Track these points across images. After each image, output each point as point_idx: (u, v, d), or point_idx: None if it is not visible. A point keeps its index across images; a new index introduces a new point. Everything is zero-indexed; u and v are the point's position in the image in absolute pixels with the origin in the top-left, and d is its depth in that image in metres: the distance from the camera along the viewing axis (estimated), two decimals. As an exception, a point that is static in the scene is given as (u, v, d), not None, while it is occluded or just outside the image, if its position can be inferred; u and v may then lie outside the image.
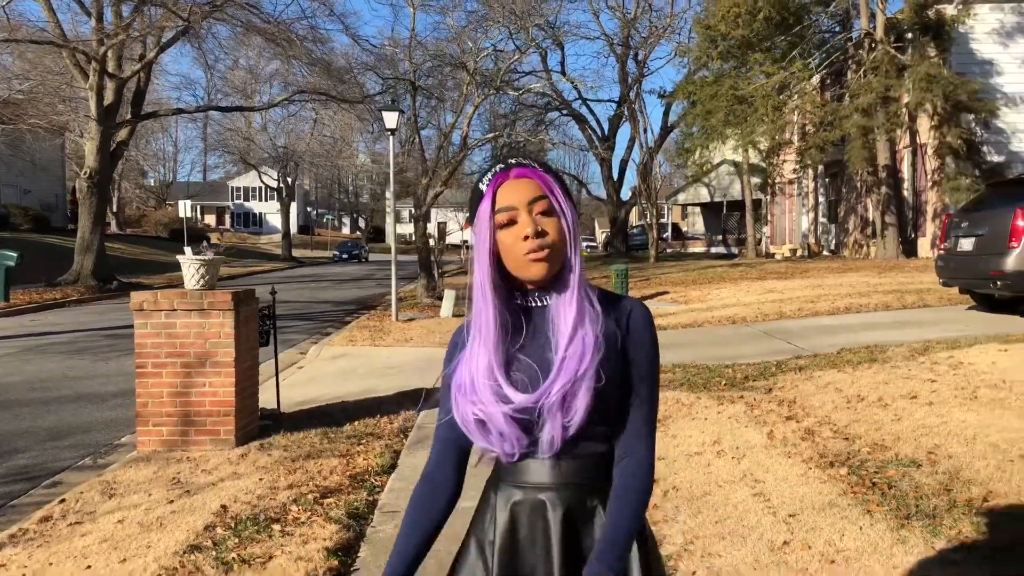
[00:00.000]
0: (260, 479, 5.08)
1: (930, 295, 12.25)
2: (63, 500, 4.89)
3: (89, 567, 3.79)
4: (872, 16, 20.48)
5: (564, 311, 1.45)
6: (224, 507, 4.53)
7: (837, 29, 22.58)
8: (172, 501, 4.73)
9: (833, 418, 5.33)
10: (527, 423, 1.42)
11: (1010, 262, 9.04)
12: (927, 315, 10.62)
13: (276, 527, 4.20)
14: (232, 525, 4.24)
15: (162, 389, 5.97)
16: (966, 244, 9.93)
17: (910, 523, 3.50)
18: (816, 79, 22.86)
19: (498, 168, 1.50)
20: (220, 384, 5.95)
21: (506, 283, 1.49)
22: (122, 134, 24.53)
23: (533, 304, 1.51)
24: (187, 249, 6.23)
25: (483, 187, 1.48)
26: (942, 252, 10.60)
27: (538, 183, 1.46)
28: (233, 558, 3.81)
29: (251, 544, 3.99)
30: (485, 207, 1.46)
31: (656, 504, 4.16)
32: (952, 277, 10.39)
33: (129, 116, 24.63)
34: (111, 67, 22.29)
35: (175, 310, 5.94)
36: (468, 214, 1.55)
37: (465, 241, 48.03)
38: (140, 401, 6.00)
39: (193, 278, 6.04)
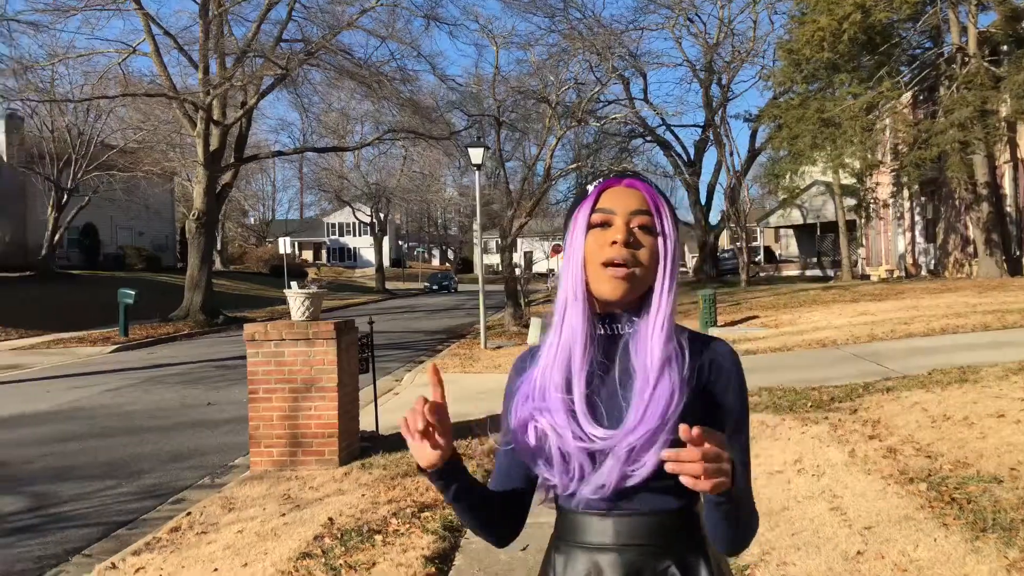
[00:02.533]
0: (362, 495, 5.47)
1: (1033, 314, 11.87)
2: (189, 513, 5.39)
3: (216, 570, 4.23)
4: (964, 30, 20.00)
5: (650, 349, 1.30)
6: (331, 520, 4.92)
7: (928, 45, 22.11)
8: (284, 514, 5.16)
9: (916, 437, 5.38)
10: (593, 451, 1.29)
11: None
12: (1028, 335, 10.32)
13: (378, 537, 4.56)
14: (339, 535, 4.62)
15: (272, 413, 6.46)
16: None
17: (985, 535, 3.59)
18: (907, 97, 22.40)
19: (611, 174, 1.39)
20: (324, 408, 6.41)
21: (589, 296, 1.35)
22: (226, 177, 25.97)
23: (609, 332, 1.37)
24: (293, 284, 6.75)
25: (589, 188, 1.37)
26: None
27: (646, 197, 1.34)
28: (340, 564, 4.17)
29: (356, 552, 4.35)
30: (585, 207, 1.35)
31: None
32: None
33: (233, 160, 26.07)
34: (216, 115, 23.72)
35: (283, 340, 6.44)
36: (566, 217, 1.43)
37: (551, 270, 48.38)
38: (252, 424, 6.51)
39: (299, 310, 6.53)
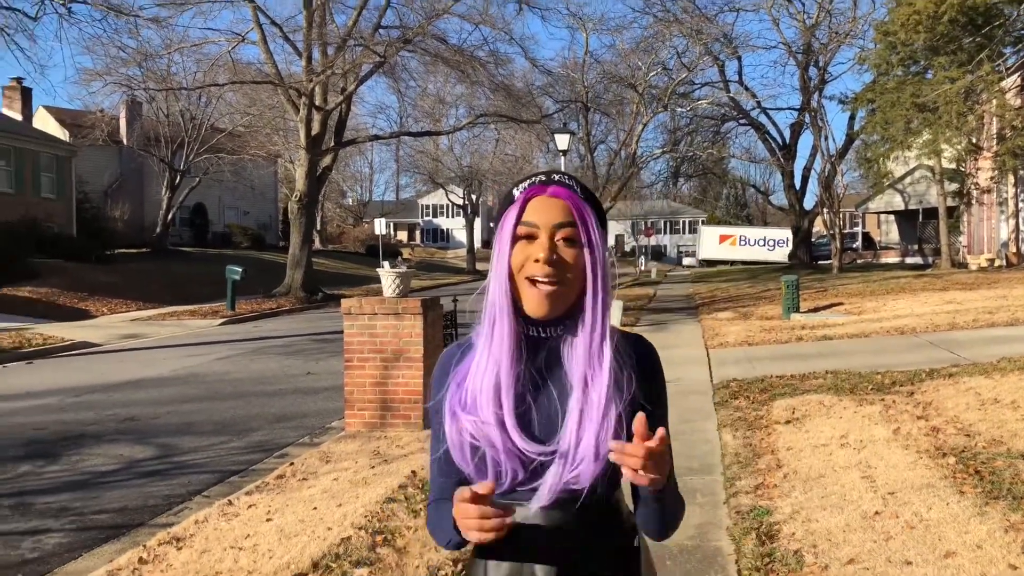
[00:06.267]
0: (442, 453, 6.11)
1: None
2: (292, 463, 6.16)
3: (315, 508, 4.94)
4: (1073, 10, 19.18)
5: (587, 360, 1.33)
6: (413, 472, 5.58)
7: (1035, 26, 21.24)
8: (374, 467, 5.86)
9: (961, 418, 5.66)
10: (527, 461, 1.31)
11: None
12: (1116, 326, 10.18)
13: (454, 488, 5.18)
14: (420, 485, 5.27)
15: (365, 379, 7.18)
16: None
17: (995, 502, 3.93)
18: (1012, 80, 21.59)
19: (537, 180, 1.37)
20: (411, 376, 7.09)
21: (517, 302, 1.36)
22: (326, 160, 27.18)
23: (540, 334, 1.38)
24: (385, 264, 7.44)
25: (516, 193, 1.37)
26: None
27: (570, 208, 1.33)
28: (420, 508, 4.81)
29: (435, 499, 4.98)
30: (511, 215, 1.35)
31: (775, 484, 4.77)
32: None
33: (332, 144, 27.23)
34: (318, 100, 24.86)
35: (376, 313, 7.14)
36: (496, 216, 1.44)
37: (643, 248, 48.21)
38: (348, 389, 7.25)
39: (390, 287, 7.22)
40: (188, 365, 12.42)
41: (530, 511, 1.32)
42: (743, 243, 53.92)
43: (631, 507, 1.42)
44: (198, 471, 6.49)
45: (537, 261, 1.31)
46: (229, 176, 37.22)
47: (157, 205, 35.64)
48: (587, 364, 1.33)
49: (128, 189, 36.23)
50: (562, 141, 15.85)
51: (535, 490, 1.32)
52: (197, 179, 35.99)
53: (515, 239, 1.34)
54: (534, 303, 1.32)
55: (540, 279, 1.31)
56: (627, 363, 1.35)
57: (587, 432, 1.29)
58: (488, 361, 1.35)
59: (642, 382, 1.36)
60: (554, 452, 1.30)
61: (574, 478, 1.29)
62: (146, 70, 23.46)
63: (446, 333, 7.93)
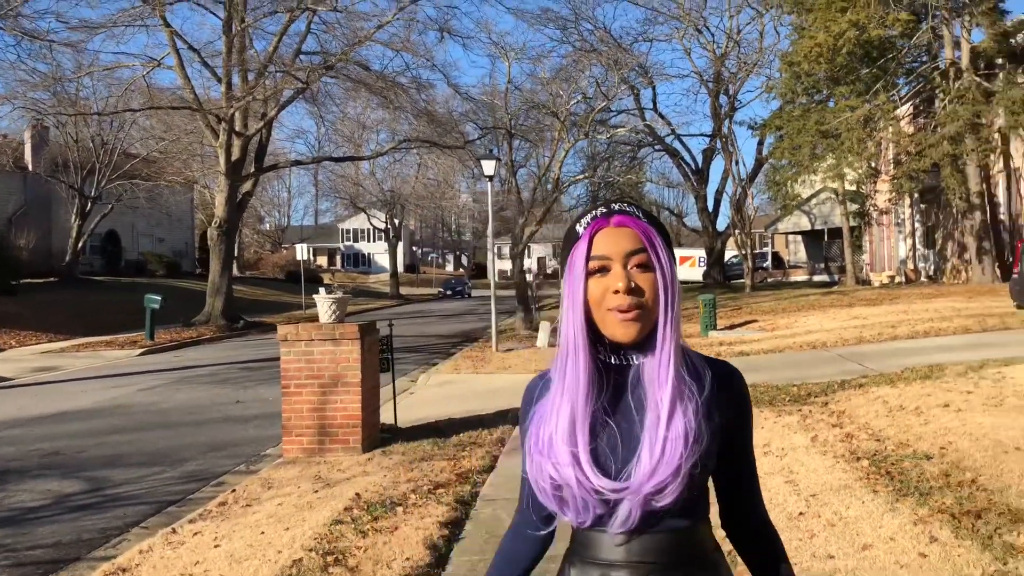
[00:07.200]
0: (385, 475, 6.23)
1: (1014, 318, 12.50)
2: (234, 491, 6.17)
3: (263, 533, 4.99)
4: (957, 45, 20.65)
5: (659, 381, 1.34)
6: (358, 495, 5.68)
7: (924, 59, 22.78)
8: (317, 491, 5.93)
9: (872, 424, 6.11)
10: (605, 497, 1.32)
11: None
12: (1005, 337, 10.98)
13: (399, 508, 5.31)
14: (366, 507, 5.38)
15: (303, 406, 7.23)
16: (1038, 268, 10.33)
17: (905, 499, 4.32)
18: (905, 108, 23.07)
19: (599, 212, 1.39)
20: (349, 401, 7.17)
21: (592, 335, 1.38)
22: (247, 185, 26.80)
23: (618, 362, 1.40)
24: (321, 289, 7.53)
25: (580, 230, 1.38)
26: (1016, 276, 10.99)
27: (638, 234, 1.36)
28: (368, 528, 4.93)
29: (381, 519, 5.10)
30: (580, 251, 1.36)
31: (706, 491, 5.07)
32: (1027, 300, 10.76)
33: (253, 169, 26.88)
34: (238, 126, 24.55)
35: (313, 340, 7.21)
36: (561, 254, 1.44)
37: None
38: (285, 415, 7.27)
39: (327, 313, 7.31)
40: (111, 396, 12.12)
41: (608, 535, 1.34)
42: (701, 264, 55.30)
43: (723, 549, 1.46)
44: (133, 503, 6.41)
45: (617, 292, 1.33)
46: (144, 203, 36.27)
47: (66, 233, 34.43)
48: (656, 382, 1.34)
49: (34, 216, 34.86)
50: (488, 167, 16.13)
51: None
52: (109, 206, 34.94)
53: (588, 274, 1.36)
54: (620, 330, 1.34)
55: (622, 309, 1.33)
56: (699, 379, 1.36)
57: (666, 465, 1.29)
58: (563, 399, 1.37)
59: (726, 407, 1.38)
60: (628, 486, 1.30)
61: (656, 501, 1.29)
62: (56, 94, 22.80)
63: (382, 357, 8.04)
